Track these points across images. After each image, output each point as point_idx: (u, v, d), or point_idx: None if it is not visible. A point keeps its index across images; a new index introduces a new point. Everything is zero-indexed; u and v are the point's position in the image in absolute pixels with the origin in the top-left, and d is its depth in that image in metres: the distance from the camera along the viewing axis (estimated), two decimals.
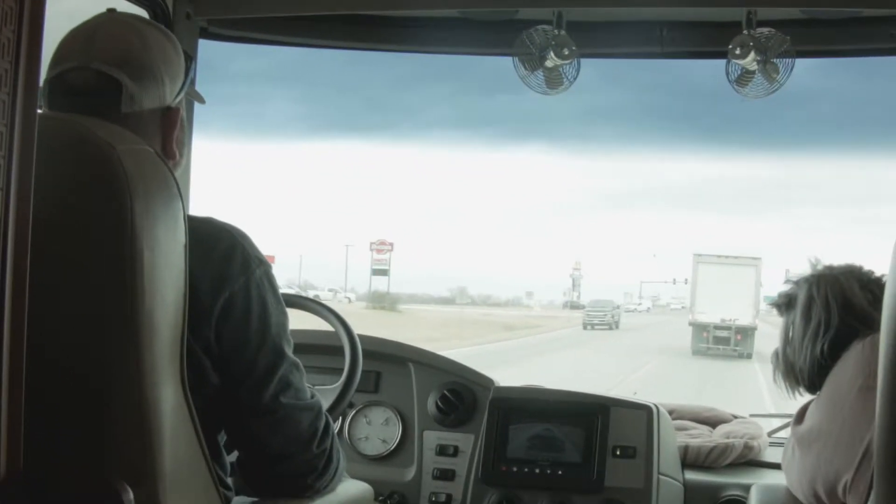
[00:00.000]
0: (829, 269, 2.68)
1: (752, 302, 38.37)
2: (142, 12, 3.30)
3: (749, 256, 42.34)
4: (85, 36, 2.09)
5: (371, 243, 60.38)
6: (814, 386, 2.61)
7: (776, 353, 2.73)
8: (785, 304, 2.71)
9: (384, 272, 60.65)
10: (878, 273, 2.63)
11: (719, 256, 41.84)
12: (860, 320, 2.51)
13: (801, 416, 2.61)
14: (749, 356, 35.65)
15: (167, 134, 2.13)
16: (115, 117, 2.00)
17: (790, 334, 2.67)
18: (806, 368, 2.60)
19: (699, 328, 39.50)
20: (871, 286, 2.58)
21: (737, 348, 37.73)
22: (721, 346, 38.28)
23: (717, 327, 38.59)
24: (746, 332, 37.69)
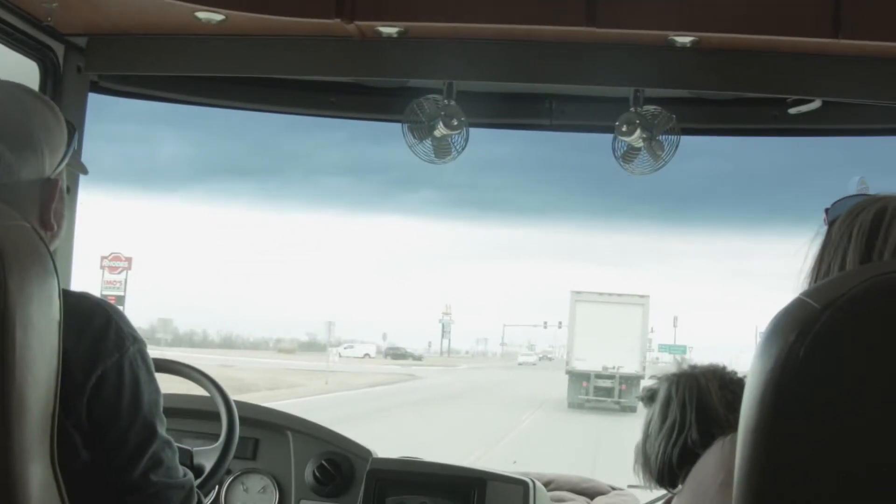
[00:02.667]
0: (692, 368, 2.72)
1: (639, 346, 35.55)
2: (32, 65, 3.29)
3: (635, 294, 38.74)
4: None
5: (102, 258, 42.89)
6: (663, 482, 2.65)
7: (637, 445, 2.77)
8: (648, 397, 2.76)
9: (120, 299, 41.10)
10: (741, 374, 2.68)
11: (601, 294, 38.04)
12: (715, 423, 2.56)
13: None
14: (633, 409, 30.39)
15: (45, 205, 2.12)
16: None
17: (649, 429, 2.72)
18: (657, 467, 2.65)
19: (577, 377, 35.94)
20: (731, 386, 2.63)
21: (620, 400, 34.24)
22: (602, 399, 34.96)
23: (598, 376, 35.10)
24: (632, 382, 34.18)
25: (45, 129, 2.11)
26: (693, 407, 2.61)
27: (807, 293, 1.18)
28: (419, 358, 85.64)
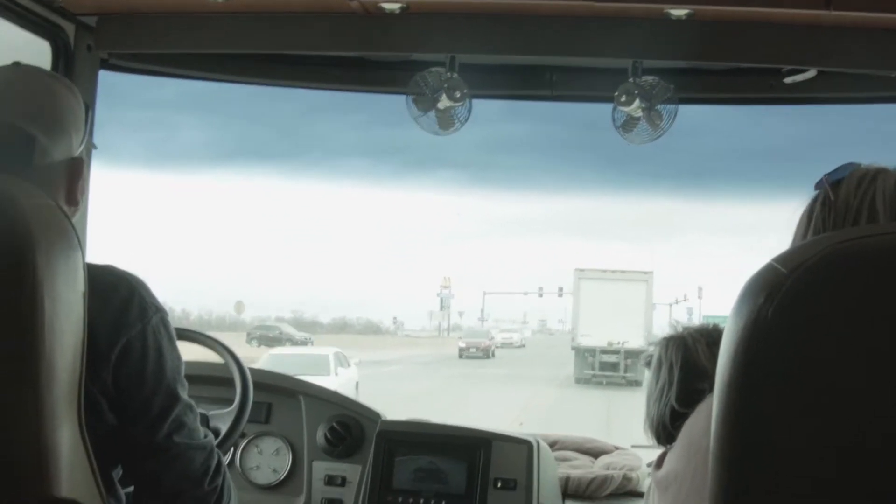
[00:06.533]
0: (684, 329, 2.80)
1: (643, 322, 35.29)
2: (44, 44, 3.36)
3: (638, 271, 38.71)
4: None
5: None
6: (661, 439, 2.75)
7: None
8: (648, 362, 2.85)
9: None
10: None
11: (604, 271, 38.26)
12: (703, 380, 2.63)
13: (660, 462, 2.73)
14: (639, 383, 30.13)
15: (73, 182, 2.21)
16: (27, 170, 2.08)
17: (649, 391, 2.81)
18: (656, 424, 2.75)
19: (583, 353, 36.11)
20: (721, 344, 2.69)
21: (626, 375, 34.38)
22: (608, 373, 35.08)
23: (604, 351, 35.31)
24: (637, 356, 32.33)
25: (70, 110, 2.20)
26: (679, 366, 2.70)
27: (777, 258, 1.27)
28: (305, 343, 62.13)
